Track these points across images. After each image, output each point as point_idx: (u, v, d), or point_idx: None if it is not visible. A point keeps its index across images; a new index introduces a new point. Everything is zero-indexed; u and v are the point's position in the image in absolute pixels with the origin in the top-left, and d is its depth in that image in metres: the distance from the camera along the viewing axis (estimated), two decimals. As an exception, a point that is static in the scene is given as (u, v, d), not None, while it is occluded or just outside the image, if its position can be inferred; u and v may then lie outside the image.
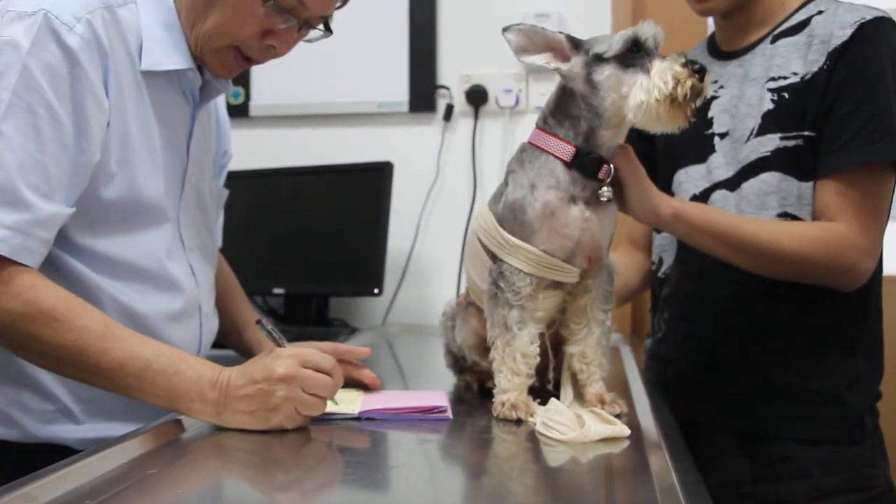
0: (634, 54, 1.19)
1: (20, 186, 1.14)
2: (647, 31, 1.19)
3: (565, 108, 1.25)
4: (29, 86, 1.16)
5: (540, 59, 1.25)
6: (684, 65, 1.16)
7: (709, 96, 1.20)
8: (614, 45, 1.20)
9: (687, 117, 1.19)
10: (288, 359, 1.14)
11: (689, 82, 1.15)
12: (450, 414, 1.22)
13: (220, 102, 1.60)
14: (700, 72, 1.16)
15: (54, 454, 1.04)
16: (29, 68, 1.16)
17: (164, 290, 1.36)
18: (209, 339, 1.50)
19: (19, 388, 1.28)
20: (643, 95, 1.17)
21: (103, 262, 1.28)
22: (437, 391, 1.37)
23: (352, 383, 1.37)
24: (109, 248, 1.28)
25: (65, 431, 1.29)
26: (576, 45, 1.24)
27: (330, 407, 1.21)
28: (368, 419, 1.20)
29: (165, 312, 1.35)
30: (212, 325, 1.50)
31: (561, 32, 1.24)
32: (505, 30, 1.25)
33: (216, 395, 1.12)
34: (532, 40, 1.24)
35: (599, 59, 1.21)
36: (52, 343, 1.13)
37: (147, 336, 1.21)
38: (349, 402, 1.25)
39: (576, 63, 1.23)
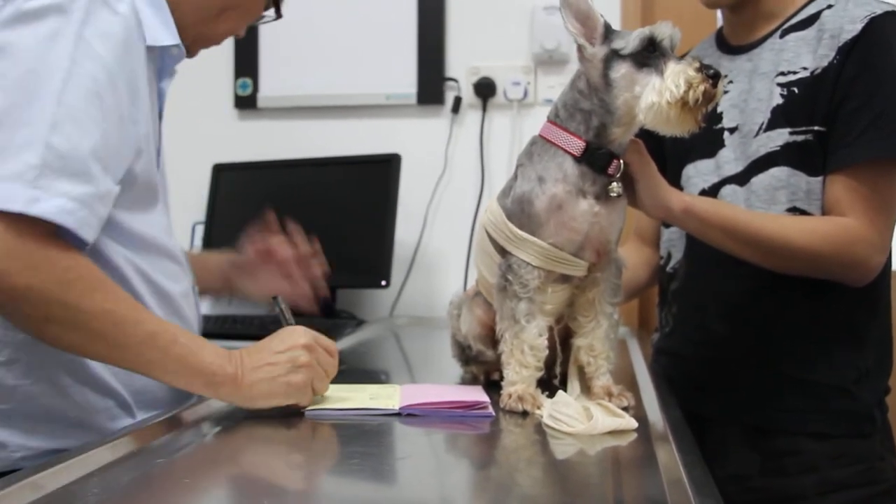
0: (650, 54, 1.18)
1: (87, 157, 1.09)
2: (664, 31, 1.18)
3: (577, 102, 1.25)
4: (87, 53, 1.11)
5: (573, 27, 1.22)
6: (698, 69, 1.15)
7: (721, 106, 1.18)
8: (631, 42, 1.19)
9: (697, 121, 1.18)
10: (305, 331, 1.20)
11: (701, 87, 1.14)
12: (491, 410, 1.20)
13: None
14: (714, 77, 1.15)
15: None
16: (85, 36, 1.11)
17: (178, 266, 1.35)
18: (201, 317, 1.49)
19: (83, 388, 1.23)
20: (655, 97, 1.16)
21: (130, 237, 1.25)
22: (473, 386, 1.36)
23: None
24: (136, 224, 1.25)
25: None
26: (607, 35, 1.22)
27: (368, 402, 1.22)
28: (409, 415, 1.18)
29: (181, 290, 1.34)
30: (200, 306, 1.49)
31: (602, 16, 1.23)
32: None
33: (234, 370, 1.13)
34: (578, 3, 1.22)
35: (616, 54, 1.20)
36: (90, 312, 1.08)
37: (175, 315, 1.24)
38: (387, 398, 1.24)
39: (599, 52, 1.22)
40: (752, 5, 1.54)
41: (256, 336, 1.26)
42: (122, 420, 1.26)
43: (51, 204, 1.04)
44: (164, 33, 1.31)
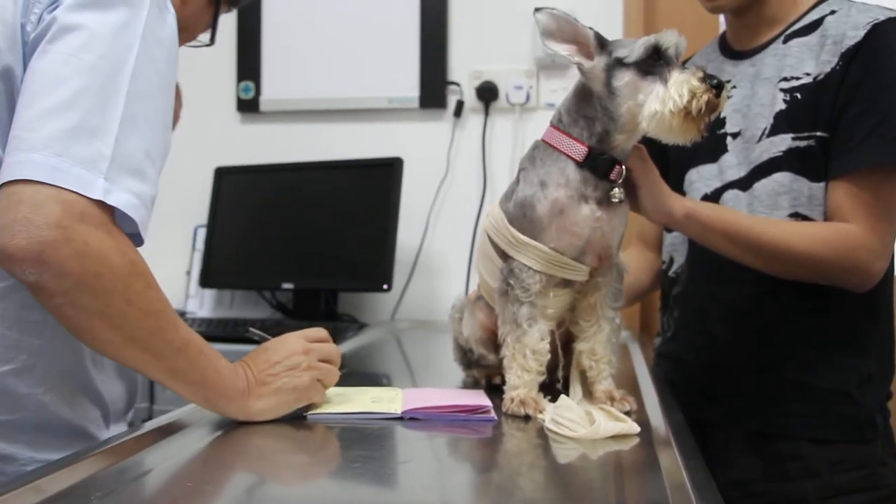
0: (654, 62, 1.18)
1: (144, 158, 1.06)
2: (670, 39, 1.18)
3: (581, 108, 1.25)
4: (148, 53, 1.09)
5: (564, 50, 1.23)
6: (702, 79, 1.15)
7: (723, 111, 1.18)
8: (635, 50, 1.18)
9: (700, 131, 1.17)
10: (295, 337, 1.20)
11: (704, 97, 1.14)
12: (494, 415, 1.20)
13: None
14: (717, 87, 1.15)
15: None
16: (147, 37, 1.08)
17: None
18: None
19: (84, 396, 1.21)
20: (658, 105, 1.16)
21: None
22: (475, 390, 1.36)
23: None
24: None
25: (104, 438, 1.24)
26: (602, 44, 1.22)
27: (371, 406, 1.21)
28: (412, 419, 1.18)
29: None
30: None
31: (591, 28, 1.22)
32: (537, 10, 1.21)
33: (244, 385, 1.12)
34: (561, 27, 1.22)
35: (620, 63, 1.19)
36: (143, 311, 1.03)
37: None
38: (389, 401, 1.24)
39: (598, 63, 1.21)
40: (755, 10, 1.54)
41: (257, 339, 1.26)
42: (103, 431, 1.25)
43: (121, 197, 1.01)
44: None
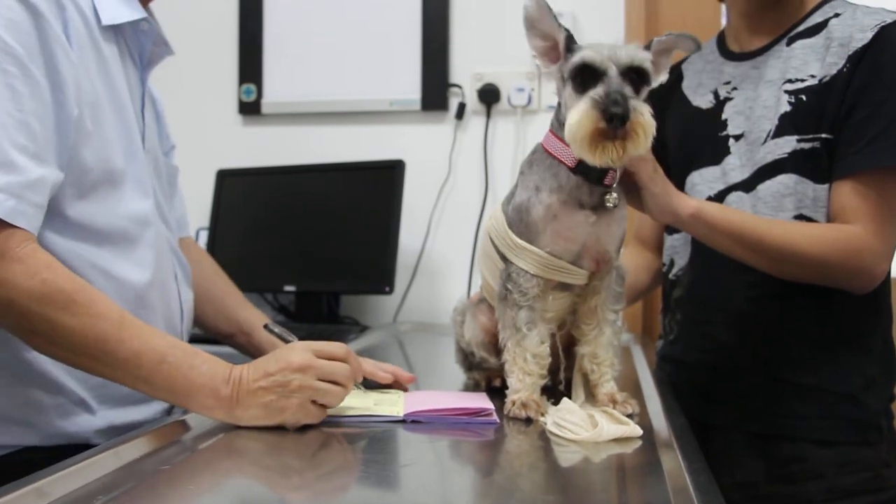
0: (586, 78, 1.13)
1: (6, 147, 1.09)
2: (594, 56, 1.13)
3: (561, 112, 1.24)
4: None
5: (534, 48, 1.22)
6: (595, 105, 1.09)
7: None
8: (568, 66, 1.16)
9: (607, 160, 1.11)
10: (302, 350, 1.14)
11: (588, 128, 1.09)
12: (496, 417, 1.20)
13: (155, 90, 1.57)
14: (611, 119, 1.07)
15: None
16: None
17: (144, 255, 1.33)
18: (189, 309, 1.47)
19: (28, 386, 1.23)
20: (567, 125, 1.12)
21: (82, 230, 1.23)
22: (477, 393, 1.36)
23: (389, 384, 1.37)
24: (90, 214, 1.24)
25: (83, 424, 1.26)
26: (569, 49, 1.18)
27: (373, 409, 1.21)
28: (414, 422, 1.17)
29: (149, 279, 1.33)
30: (188, 296, 1.48)
31: (567, 30, 1.19)
32: None
33: (229, 391, 1.10)
34: (541, 20, 1.21)
35: (562, 76, 1.18)
36: (68, 328, 1.08)
37: (137, 304, 1.23)
38: (391, 404, 1.24)
39: (554, 69, 1.20)
40: (770, 7, 1.54)
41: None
42: (77, 417, 1.25)
43: None
44: (127, 9, 1.31)
